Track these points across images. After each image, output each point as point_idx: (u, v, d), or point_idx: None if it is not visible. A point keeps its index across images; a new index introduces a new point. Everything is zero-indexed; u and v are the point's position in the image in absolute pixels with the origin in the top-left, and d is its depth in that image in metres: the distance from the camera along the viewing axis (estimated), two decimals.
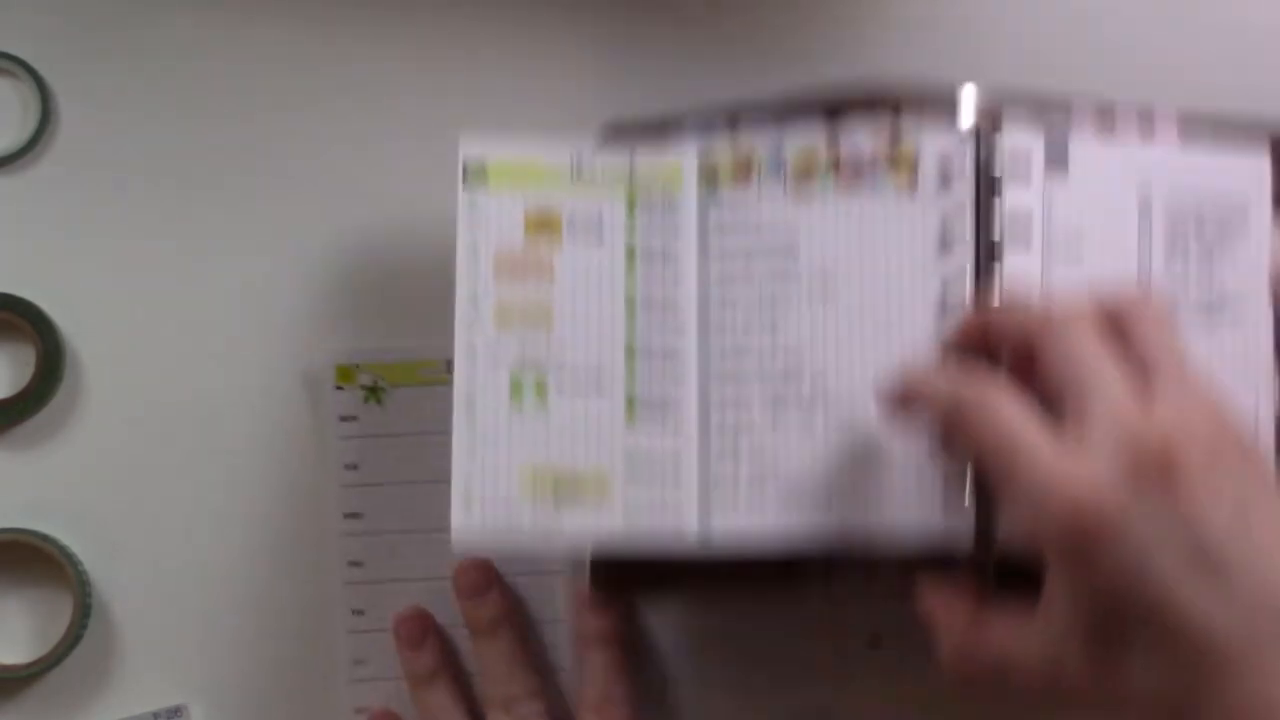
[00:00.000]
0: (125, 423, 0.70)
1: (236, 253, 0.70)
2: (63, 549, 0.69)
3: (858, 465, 0.60)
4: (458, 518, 0.61)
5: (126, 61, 0.70)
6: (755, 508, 0.60)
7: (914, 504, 0.59)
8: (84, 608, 0.69)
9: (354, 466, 0.70)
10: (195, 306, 0.70)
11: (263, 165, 0.70)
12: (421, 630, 0.68)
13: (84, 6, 0.70)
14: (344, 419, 0.70)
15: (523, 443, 0.62)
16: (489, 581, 0.68)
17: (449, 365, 0.68)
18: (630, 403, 0.62)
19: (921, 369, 0.58)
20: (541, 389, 0.62)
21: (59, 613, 0.69)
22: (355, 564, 0.69)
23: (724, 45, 0.70)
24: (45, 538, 0.69)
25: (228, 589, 0.70)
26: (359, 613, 0.69)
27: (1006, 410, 0.53)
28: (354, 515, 0.70)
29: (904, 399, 0.57)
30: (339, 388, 0.70)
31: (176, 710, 0.69)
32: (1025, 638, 0.54)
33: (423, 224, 0.70)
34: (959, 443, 0.56)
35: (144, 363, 0.70)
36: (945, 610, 0.57)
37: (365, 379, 0.70)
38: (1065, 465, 0.52)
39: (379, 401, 0.70)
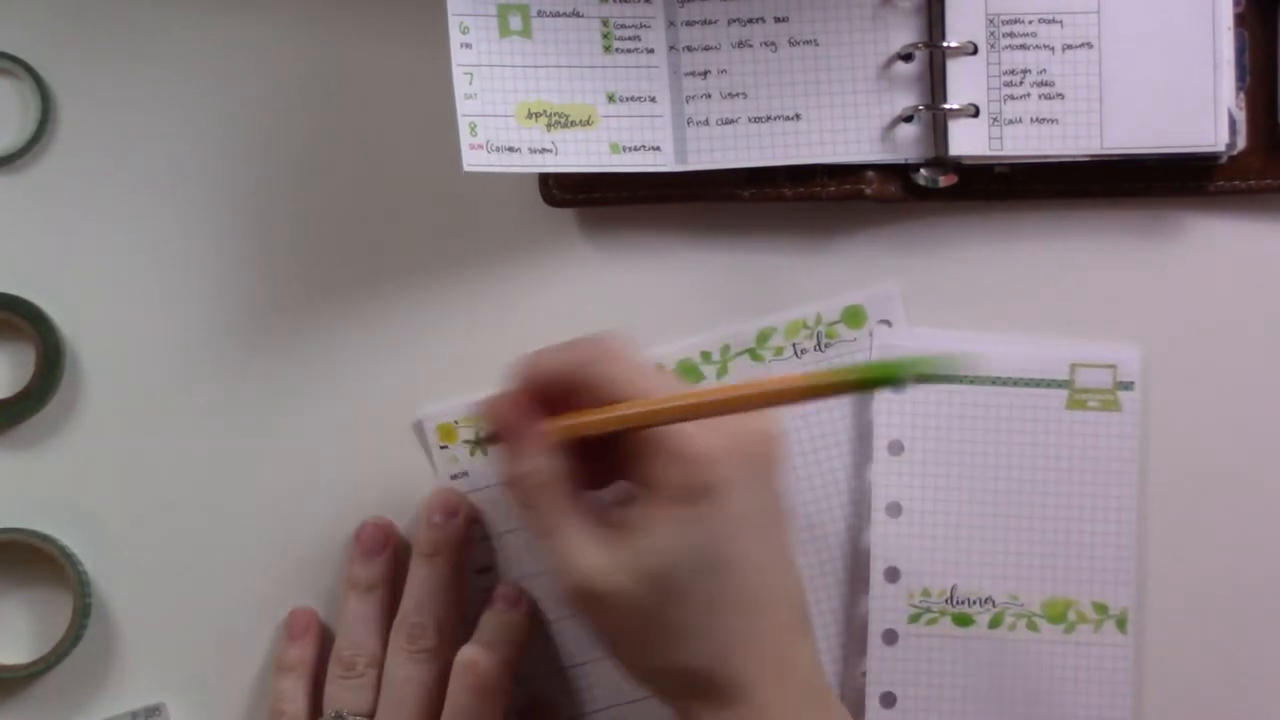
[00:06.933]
0: (125, 423, 0.70)
1: (233, 254, 0.70)
2: (63, 549, 0.69)
3: None
4: (466, 141, 0.64)
5: (126, 61, 0.70)
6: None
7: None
8: (84, 608, 0.69)
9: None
10: (194, 307, 0.70)
11: (261, 168, 0.70)
12: (381, 542, 0.68)
13: (84, 7, 0.70)
14: (455, 477, 0.70)
15: (515, 77, 0.64)
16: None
17: None
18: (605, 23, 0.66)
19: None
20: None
21: (59, 613, 0.69)
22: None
23: None
24: (45, 538, 0.69)
25: (227, 589, 0.70)
26: None
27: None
28: (485, 570, 0.70)
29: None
30: (444, 447, 0.69)
31: (155, 709, 0.69)
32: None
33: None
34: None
35: (144, 363, 0.70)
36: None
37: (466, 433, 0.70)
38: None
39: (485, 453, 0.70)
